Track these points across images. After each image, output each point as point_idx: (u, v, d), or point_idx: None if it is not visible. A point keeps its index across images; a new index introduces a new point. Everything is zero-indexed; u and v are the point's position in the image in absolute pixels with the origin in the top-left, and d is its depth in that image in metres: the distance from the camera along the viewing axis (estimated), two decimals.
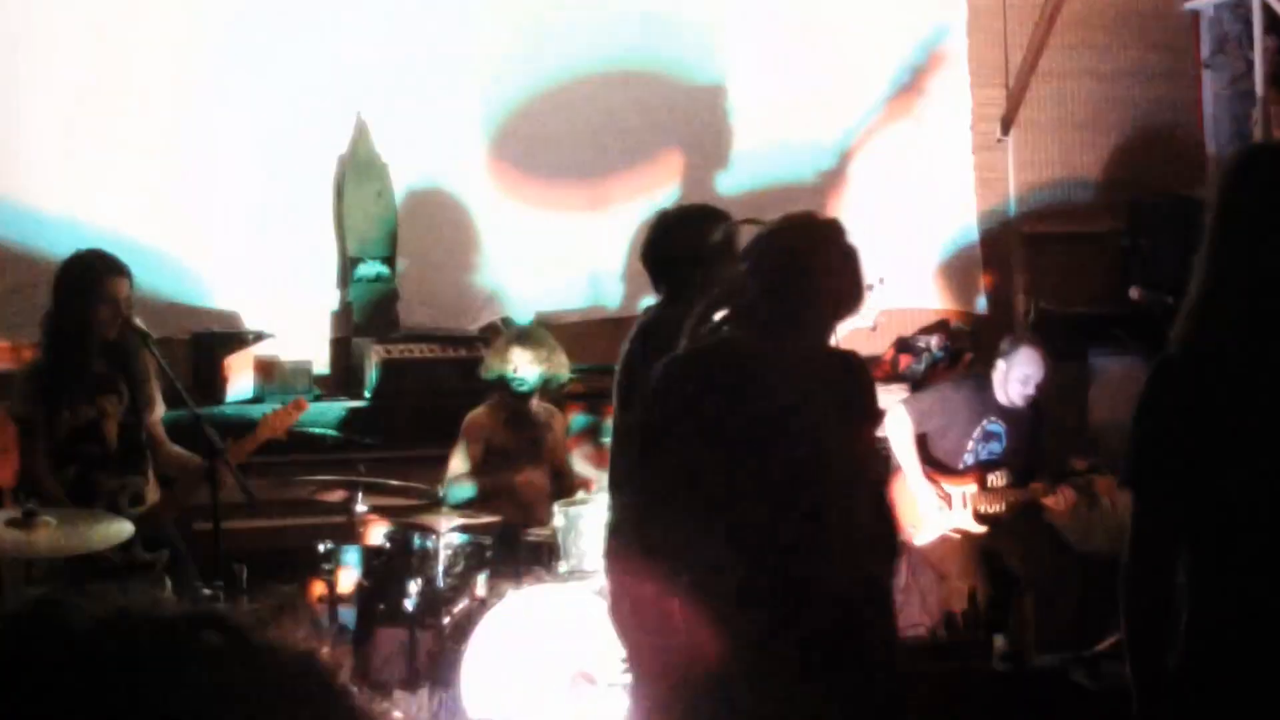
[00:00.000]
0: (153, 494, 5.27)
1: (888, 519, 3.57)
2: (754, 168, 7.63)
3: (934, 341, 7.55)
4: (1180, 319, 2.74)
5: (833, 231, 3.49)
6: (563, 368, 6.06)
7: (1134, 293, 7.33)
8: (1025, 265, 8.02)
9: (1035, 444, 6.18)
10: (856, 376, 3.46)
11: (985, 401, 6.03)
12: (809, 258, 3.39)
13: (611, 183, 7.54)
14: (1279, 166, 2.80)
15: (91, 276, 5.12)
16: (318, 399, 6.67)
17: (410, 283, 7.22)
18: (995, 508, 6.06)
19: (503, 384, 5.96)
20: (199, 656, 0.88)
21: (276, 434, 5.39)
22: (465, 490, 5.94)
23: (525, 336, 6.09)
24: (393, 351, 6.82)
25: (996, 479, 6.08)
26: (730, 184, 7.64)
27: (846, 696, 3.22)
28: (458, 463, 5.98)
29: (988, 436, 6.06)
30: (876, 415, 3.62)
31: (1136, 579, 2.69)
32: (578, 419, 6.90)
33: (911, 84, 7.90)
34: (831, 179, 7.75)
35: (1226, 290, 2.68)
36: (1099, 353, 7.47)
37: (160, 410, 5.33)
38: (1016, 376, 6.01)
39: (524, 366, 5.92)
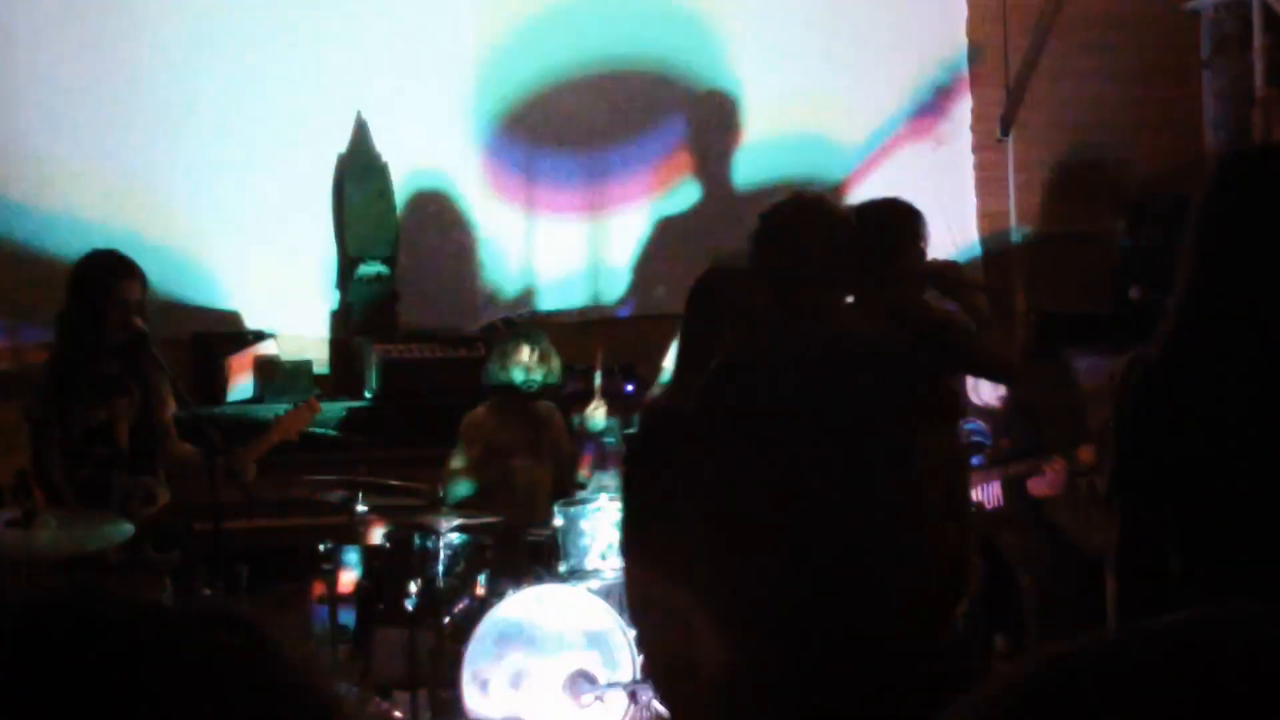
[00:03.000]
0: (163, 494, 5.29)
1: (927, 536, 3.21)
2: (755, 168, 7.63)
3: None
4: (1162, 321, 2.73)
5: (818, 205, 3.31)
6: (557, 371, 6.10)
7: (1134, 293, 7.33)
8: (1025, 265, 8.02)
9: (1026, 439, 6.19)
10: (882, 362, 3.19)
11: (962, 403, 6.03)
12: (800, 234, 3.19)
13: (612, 182, 7.54)
14: (1266, 169, 2.79)
15: (104, 278, 5.14)
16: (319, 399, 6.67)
17: (410, 283, 7.22)
18: (980, 488, 6.07)
19: (507, 386, 5.96)
20: (221, 655, 0.89)
21: (289, 436, 5.43)
22: (463, 487, 5.95)
23: (532, 336, 6.11)
24: (393, 351, 6.82)
25: (979, 460, 6.08)
26: (730, 184, 7.64)
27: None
28: (456, 461, 5.99)
29: (968, 438, 6.05)
30: (913, 409, 3.21)
31: (1125, 584, 2.68)
32: (577, 419, 6.91)
33: (933, 104, 7.91)
34: (830, 182, 7.75)
35: (1210, 294, 2.67)
36: (1098, 352, 7.47)
37: (171, 408, 5.36)
38: (986, 383, 6.05)
39: (535, 367, 5.94)
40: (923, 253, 4.56)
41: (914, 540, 2.95)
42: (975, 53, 8.00)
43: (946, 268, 4.78)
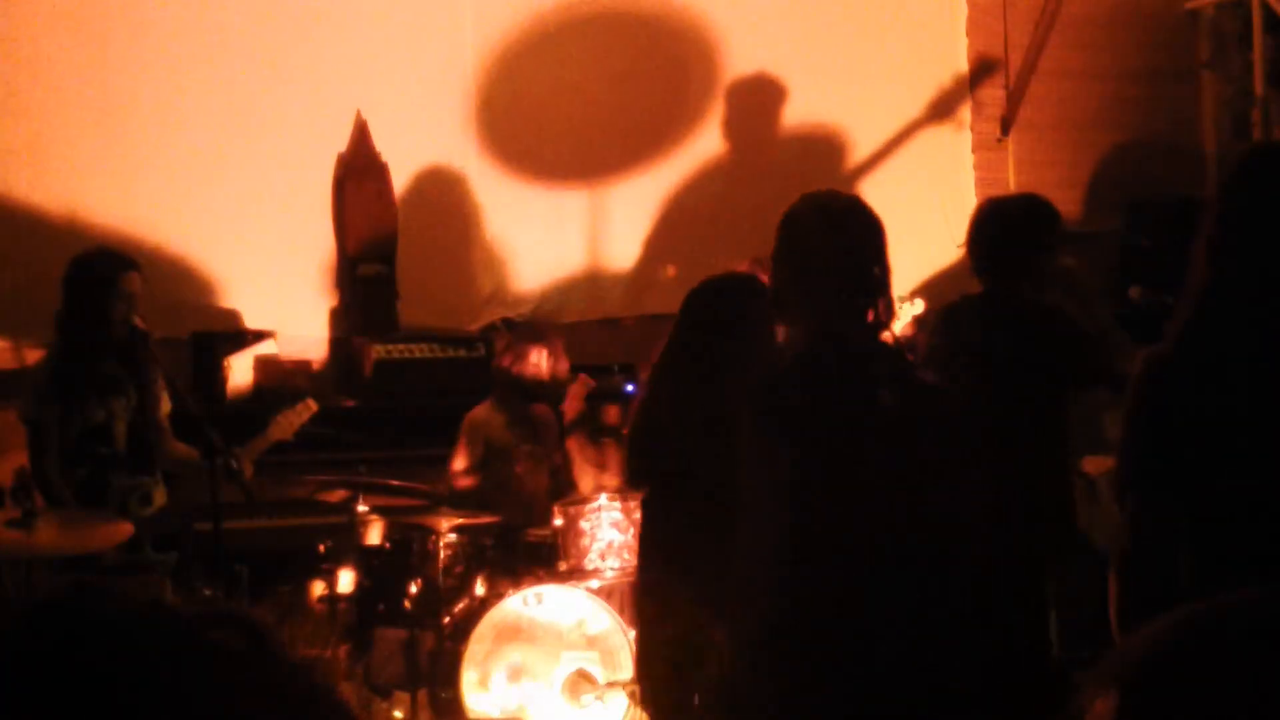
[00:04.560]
0: (160, 494, 5.29)
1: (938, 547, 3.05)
2: (759, 170, 7.63)
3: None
4: (1175, 317, 2.72)
5: (846, 206, 3.21)
6: (564, 370, 6.09)
7: (1134, 293, 7.33)
8: None
9: None
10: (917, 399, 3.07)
11: None
12: (819, 236, 3.11)
13: (612, 183, 7.54)
14: None
15: (106, 272, 5.15)
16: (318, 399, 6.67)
17: (410, 283, 7.22)
18: None
19: (513, 384, 5.96)
20: (223, 655, 0.89)
21: (286, 435, 5.43)
22: (469, 488, 5.94)
23: (540, 335, 6.11)
24: (392, 351, 6.82)
25: None
26: (734, 186, 7.63)
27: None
28: (459, 462, 5.99)
29: None
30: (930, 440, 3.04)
31: (1135, 580, 2.68)
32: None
33: (942, 136, 7.92)
34: (830, 182, 7.75)
35: (1225, 290, 2.67)
36: None
37: (167, 407, 5.36)
38: None
39: (544, 364, 5.94)
40: (1055, 254, 4.57)
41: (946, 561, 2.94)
42: (975, 53, 8.00)
43: (1078, 270, 4.79)
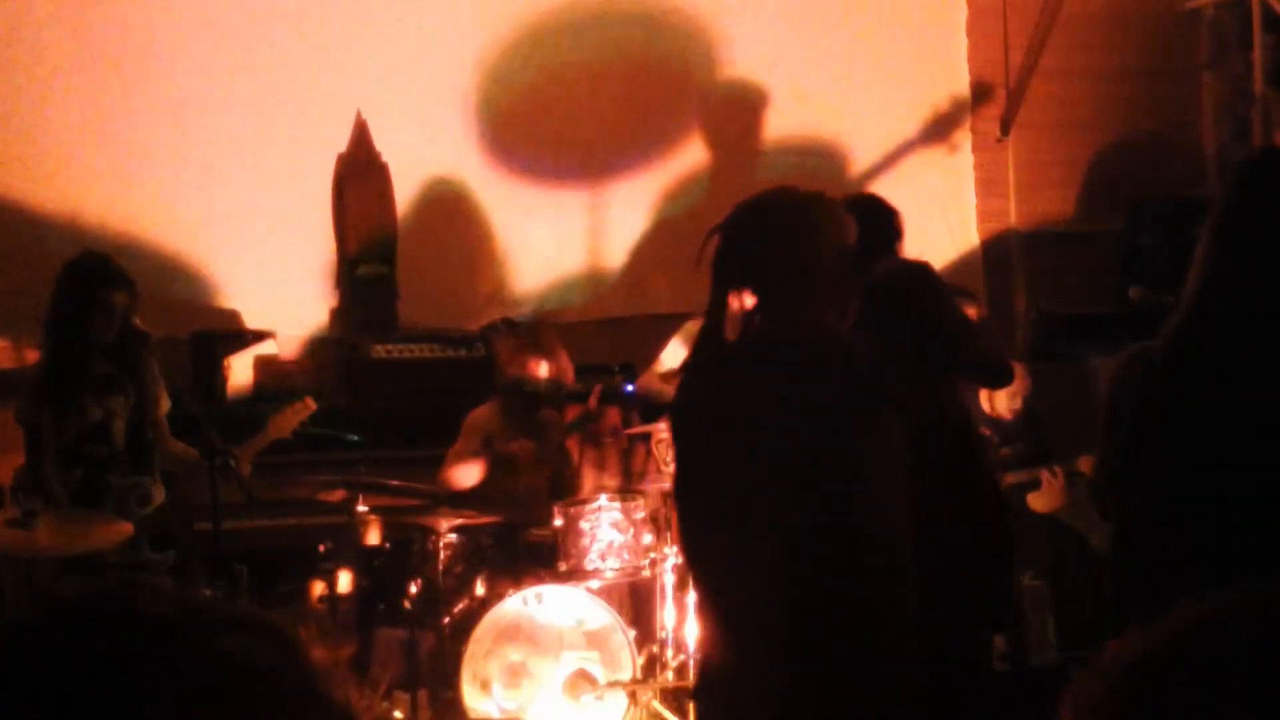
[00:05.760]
0: (158, 494, 5.29)
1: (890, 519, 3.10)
2: (759, 171, 7.63)
3: None
4: (1171, 317, 2.73)
5: (804, 200, 3.23)
6: (568, 372, 6.09)
7: (1134, 293, 7.33)
8: (1025, 265, 8.01)
9: (1032, 449, 6.16)
10: (852, 366, 3.10)
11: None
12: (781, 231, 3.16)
13: (612, 183, 7.54)
14: None
15: (90, 285, 5.14)
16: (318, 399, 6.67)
17: (410, 283, 7.22)
18: None
19: (515, 389, 5.96)
20: (253, 662, 0.89)
21: (284, 434, 5.43)
22: (467, 470, 5.89)
23: (537, 341, 6.11)
24: (393, 351, 6.82)
25: None
26: (734, 186, 7.63)
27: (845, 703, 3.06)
28: (457, 449, 5.97)
29: None
30: (870, 408, 3.09)
31: (1122, 578, 2.68)
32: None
33: (941, 135, 7.92)
34: (830, 183, 7.74)
35: (1222, 293, 2.67)
36: (1099, 353, 7.47)
37: (165, 406, 5.36)
38: (1002, 393, 6.00)
39: (542, 370, 5.94)
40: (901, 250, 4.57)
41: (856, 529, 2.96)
42: (975, 53, 8.00)
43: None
